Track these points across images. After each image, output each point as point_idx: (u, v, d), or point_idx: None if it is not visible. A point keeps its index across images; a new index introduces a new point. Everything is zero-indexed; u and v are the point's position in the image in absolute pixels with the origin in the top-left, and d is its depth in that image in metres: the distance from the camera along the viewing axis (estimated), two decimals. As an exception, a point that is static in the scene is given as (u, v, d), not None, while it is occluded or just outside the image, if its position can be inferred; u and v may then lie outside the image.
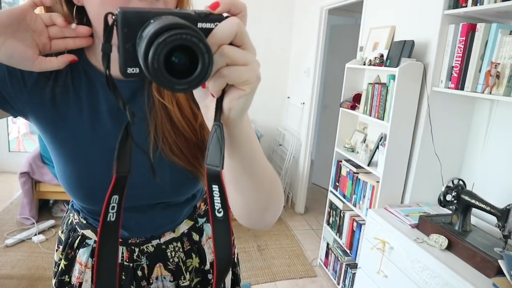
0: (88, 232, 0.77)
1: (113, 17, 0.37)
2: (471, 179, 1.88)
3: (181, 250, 0.79)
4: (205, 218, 0.84)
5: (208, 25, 0.38)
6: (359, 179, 2.27)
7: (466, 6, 1.72)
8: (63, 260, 0.79)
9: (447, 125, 1.95)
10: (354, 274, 2.21)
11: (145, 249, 0.76)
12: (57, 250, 0.83)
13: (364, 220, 2.18)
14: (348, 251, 2.36)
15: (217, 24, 0.38)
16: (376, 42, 2.33)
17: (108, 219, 0.45)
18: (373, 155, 2.19)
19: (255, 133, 0.51)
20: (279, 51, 4.21)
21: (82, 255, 0.77)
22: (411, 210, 1.91)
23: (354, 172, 2.32)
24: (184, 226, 0.80)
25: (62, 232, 0.83)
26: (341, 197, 2.47)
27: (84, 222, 0.77)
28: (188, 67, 0.35)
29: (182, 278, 0.78)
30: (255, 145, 0.49)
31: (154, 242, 0.76)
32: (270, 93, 4.27)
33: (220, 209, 0.43)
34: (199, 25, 0.38)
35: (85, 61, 0.63)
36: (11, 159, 4.14)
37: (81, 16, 0.58)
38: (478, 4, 1.66)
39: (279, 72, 4.26)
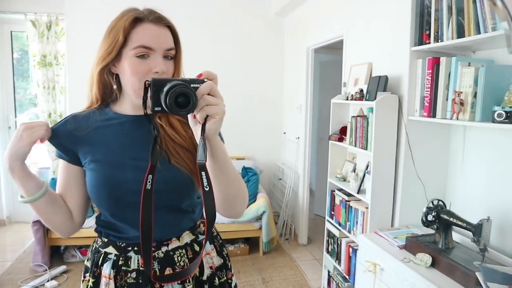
0: (109, 249, 0.97)
1: (148, 82, 0.74)
2: (454, 199, 2.01)
3: (185, 256, 0.98)
4: (204, 237, 1.01)
5: (196, 85, 0.73)
6: (351, 207, 2.39)
7: (429, 43, 1.92)
8: (90, 279, 0.97)
9: (427, 150, 2.10)
10: (354, 299, 2.29)
11: (156, 255, 0.95)
12: (83, 281, 1.00)
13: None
14: (347, 277, 2.45)
15: (201, 85, 0.73)
16: (356, 78, 2.53)
17: (147, 187, 0.79)
18: (361, 183, 2.33)
19: (227, 154, 0.85)
20: (274, 90, 4.45)
21: (106, 269, 0.95)
22: (399, 233, 2.02)
23: (346, 200, 2.45)
24: (187, 238, 1.00)
25: (87, 260, 1.02)
26: (337, 225, 2.59)
27: (106, 240, 0.98)
28: (186, 104, 0.70)
29: (187, 281, 0.96)
30: (225, 153, 0.83)
31: (163, 249, 0.96)
32: (267, 130, 4.47)
33: (207, 185, 0.74)
34: (192, 85, 0.72)
35: (112, 111, 0.98)
36: (22, 210, 4.29)
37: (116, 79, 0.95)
38: (439, 40, 1.86)
39: (274, 110, 4.48)
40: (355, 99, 2.36)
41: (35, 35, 3.86)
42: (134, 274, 0.95)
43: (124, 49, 0.88)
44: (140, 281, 0.93)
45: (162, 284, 0.94)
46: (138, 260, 0.95)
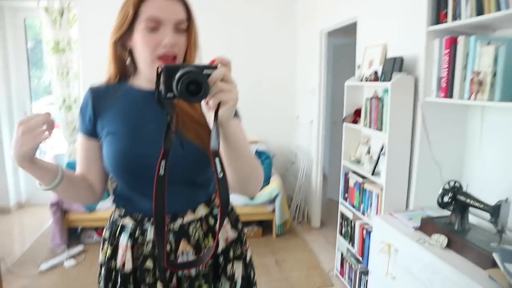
0: (126, 220, 1.00)
1: (160, 68, 0.72)
2: (471, 181, 1.99)
3: (200, 229, 1.00)
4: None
5: (209, 71, 0.71)
6: (365, 189, 2.39)
7: (446, 22, 1.88)
8: (108, 249, 1.01)
9: (443, 131, 2.08)
10: (367, 280, 2.30)
11: (172, 228, 0.97)
12: (102, 250, 1.04)
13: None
14: (361, 259, 2.46)
15: (213, 71, 0.71)
16: (371, 60, 2.49)
17: (160, 173, 0.77)
18: (376, 165, 2.32)
19: (243, 133, 0.88)
20: (286, 74, 4.42)
21: (123, 239, 0.99)
22: (414, 214, 2.02)
23: (360, 183, 2.44)
24: (202, 211, 1.01)
25: (106, 230, 1.05)
26: (351, 207, 2.59)
27: (123, 212, 1.01)
28: (197, 91, 0.69)
29: (201, 254, 0.97)
30: (240, 138, 0.82)
31: (179, 221, 0.98)
32: (280, 114, 4.46)
33: (221, 172, 0.73)
34: (204, 71, 0.71)
35: (127, 85, 1.00)
36: (40, 193, 4.37)
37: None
38: (458, 19, 1.82)
39: (287, 94, 4.46)
40: (370, 81, 2.34)
41: (48, 22, 3.87)
42: (150, 245, 0.97)
43: (135, 22, 0.89)
44: (156, 252, 0.96)
45: (176, 257, 0.96)
46: (153, 233, 0.96)
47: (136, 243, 0.98)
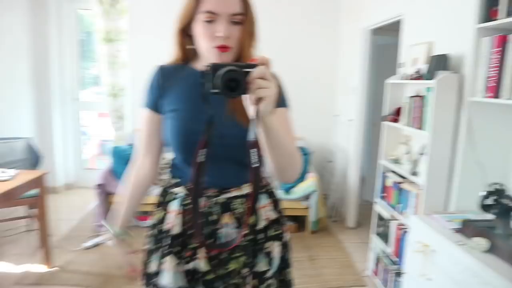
0: (178, 189, 1.10)
1: (207, 66, 0.79)
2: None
3: (243, 206, 1.08)
4: (264, 190, 1.14)
5: (249, 69, 0.77)
6: (403, 189, 2.35)
7: (497, 19, 1.81)
8: (158, 214, 1.13)
9: (489, 133, 2.00)
10: (401, 282, 2.27)
11: (218, 201, 1.06)
12: (155, 213, 1.16)
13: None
14: (396, 259, 2.43)
15: (253, 69, 0.77)
16: (415, 58, 2.44)
17: (199, 160, 0.86)
18: (416, 165, 2.28)
19: (288, 124, 1.02)
20: (328, 71, 4.40)
21: (173, 205, 1.10)
22: (454, 217, 1.96)
23: (399, 182, 2.41)
24: (247, 189, 1.08)
25: (160, 196, 1.17)
26: (388, 207, 2.56)
27: (177, 181, 1.11)
28: (236, 88, 0.77)
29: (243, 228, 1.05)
30: (280, 131, 0.88)
31: (225, 196, 1.07)
32: (320, 111, 4.44)
33: (256, 162, 0.82)
34: (245, 69, 0.77)
35: (191, 67, 1.09)
36: (85, 176, 4.69)
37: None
38: (511, 16, 1.75)
39: (327, 91, 4.44)
40: (413, 79, 2.29)
41: (100, 13, 4.07)
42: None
43: (195, 14, 0.98)
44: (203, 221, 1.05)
45: (218, 228, 1.06)
46: (202, 202, 1.06)
47: (185, 211, 1.07)
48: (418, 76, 2.26)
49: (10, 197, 2.40)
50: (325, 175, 4.34)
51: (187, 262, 1.07)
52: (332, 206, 3.99)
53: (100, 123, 4.83)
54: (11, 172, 2.57)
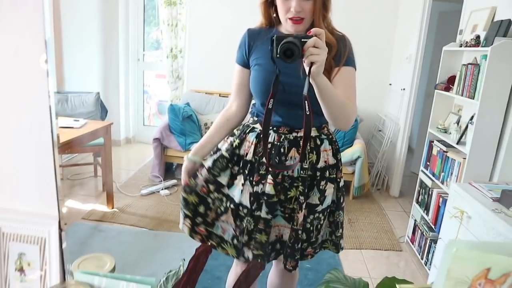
0: (257, 125, 1.33)
1: (273, 37, 0.99)
2: None
3: (308, 145, 1.28)
4: (326, 137, 1.34)
5: (305, 40, 0.97)
6: (448, 157, 2.34)
7: None
8: (236, 141, 1.35)
9: (545, 105, 1.94)
10: (436, 248, 2.31)
11: (288, 137, 1.28)
12: (226, 141, 1.38)
13: (450, 196, 2.26)
14: (433, 227, 2.46)
15: (308, 39, 0.96)
16: (475, 24, 2.36)
17: (269, 107, 1.06)
18: (463, 133, 2.25)
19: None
20: (383, 39, 4.28)
21: (251, 137, 1.33)
22: (496, 187, 1.95)
23: (444, 151, 2.40)
24: (312, 132, 1.30)
25: (237, 130, 1.40)
26: (431, 176, 2.56)
27: (256, 119, 1.35)
28: (291, 55, 0.97)
29: (304, 162, 1.28)
30: (329, 88, 1.07)
31: (294, 134, 1.28)
32: (372, 80, 4.36)
33: (308, 111, 1.00)
34: (302, 40, 0.97)
35: (274, 30, 1.29)
36: (146, 131, 5.06)
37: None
38: None
39: (381, 60, 4.33)
40: (470, 46, 2.23)
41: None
42: (269, 146, 1.28)
43: None
44: (273, 152, 1.27)
45: (286, 159, 1.27)
46: (274, 138, 1.28)
47: (259, 142, 1.28)
48: (476, 43, 2.19)
49: (80, 143, 2.72)
50: (373, 143, 4.32)
51: (254, 185, 1.28)
52: (377, 174, 4.01)
53: (158, 83, 5.12)
54: (82, 121, 2.89)
